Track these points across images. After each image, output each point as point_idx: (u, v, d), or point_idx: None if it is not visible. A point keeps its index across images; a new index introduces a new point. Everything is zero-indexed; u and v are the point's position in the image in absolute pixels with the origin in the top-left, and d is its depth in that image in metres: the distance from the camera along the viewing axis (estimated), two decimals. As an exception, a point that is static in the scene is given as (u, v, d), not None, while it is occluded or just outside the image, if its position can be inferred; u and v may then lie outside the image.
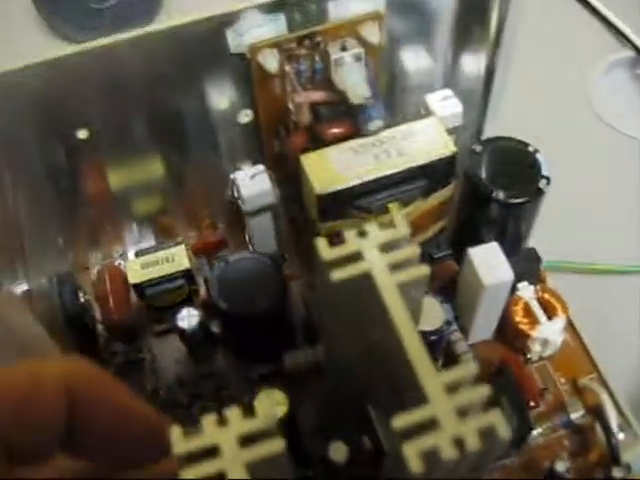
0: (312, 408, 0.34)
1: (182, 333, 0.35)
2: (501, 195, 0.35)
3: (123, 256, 0.41)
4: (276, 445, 0.20)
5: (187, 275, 0.37)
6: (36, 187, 0.35)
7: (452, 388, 0.22)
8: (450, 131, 0.35)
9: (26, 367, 0.18)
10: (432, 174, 0.34)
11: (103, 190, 0.37)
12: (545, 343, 0.36)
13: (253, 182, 0.34)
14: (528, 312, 0.36)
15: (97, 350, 0.37)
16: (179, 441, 0.19)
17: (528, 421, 0.33)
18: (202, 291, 0.39)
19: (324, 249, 0.24)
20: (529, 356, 0.37)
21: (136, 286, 0.36)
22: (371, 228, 0.25)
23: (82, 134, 0.33)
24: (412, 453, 0.20)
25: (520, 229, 0.37)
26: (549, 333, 0.36)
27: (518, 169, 0.36)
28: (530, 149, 0.36)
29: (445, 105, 0.36)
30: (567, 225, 0.44)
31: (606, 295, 0.43)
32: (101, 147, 0.34)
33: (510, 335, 0.37)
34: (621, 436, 0.34)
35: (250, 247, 0.39)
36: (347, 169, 0.33)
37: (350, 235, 0.24)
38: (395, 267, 0.24)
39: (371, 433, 0.32)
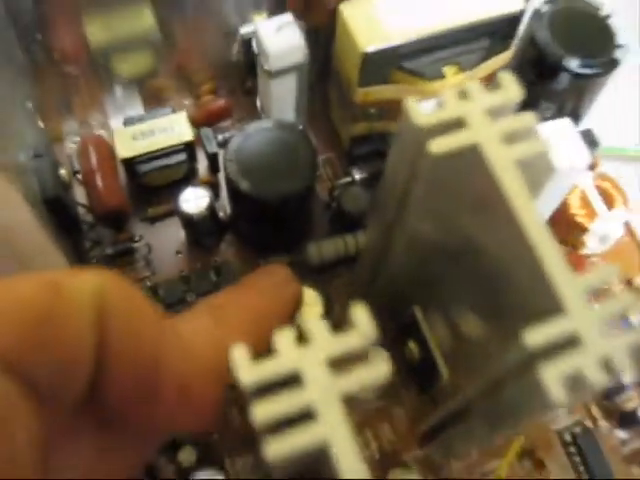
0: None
1: (186, 218, 0.29)
2: (573, 64, 0.29)
3: (105, 126, 0.34)
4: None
5: (189, 149, 0.31)
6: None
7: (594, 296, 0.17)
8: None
9: (41, 277, 0.13)
10: (495, 33, 0.28)
11: (79, 45, 0.30)
12: (603, 238, 0.31)
13: (280, 35, 0.27)
14: (585, 202, 0.31)
15: (80, 239, 0.31)
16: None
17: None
18: (201, 168, 0.33)
19: (416, 113, 0.18)
20: (582, 252, 0.32)
21: (127, 162, 0.30)
22: (474, 89, 0.19)
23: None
24: (552, 377, 0.16)
25: (581, 106, 0.32)
26: (608, 227, 0.31)
27: (588, 36, 0.30)
28: (601, 13, 0.30)
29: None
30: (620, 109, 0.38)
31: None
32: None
33: (563, 228, 0.32)
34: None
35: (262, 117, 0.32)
36: (397, 21, 0.27)
37: (450, 96, 0.19)
38: (508, 139, 0.19)
39: (417, 337, 0.27)
